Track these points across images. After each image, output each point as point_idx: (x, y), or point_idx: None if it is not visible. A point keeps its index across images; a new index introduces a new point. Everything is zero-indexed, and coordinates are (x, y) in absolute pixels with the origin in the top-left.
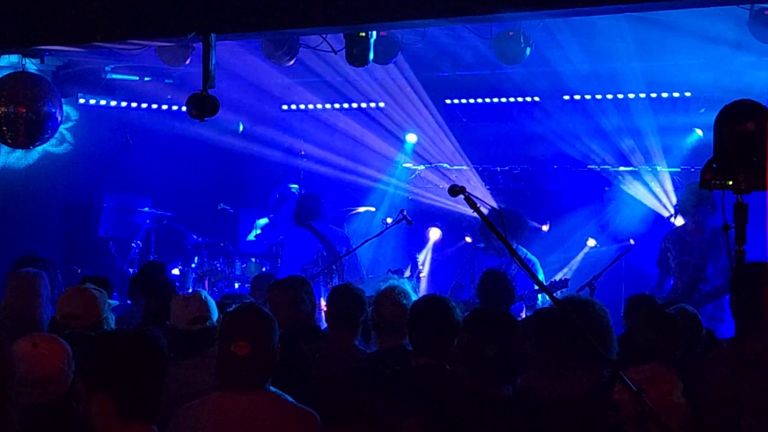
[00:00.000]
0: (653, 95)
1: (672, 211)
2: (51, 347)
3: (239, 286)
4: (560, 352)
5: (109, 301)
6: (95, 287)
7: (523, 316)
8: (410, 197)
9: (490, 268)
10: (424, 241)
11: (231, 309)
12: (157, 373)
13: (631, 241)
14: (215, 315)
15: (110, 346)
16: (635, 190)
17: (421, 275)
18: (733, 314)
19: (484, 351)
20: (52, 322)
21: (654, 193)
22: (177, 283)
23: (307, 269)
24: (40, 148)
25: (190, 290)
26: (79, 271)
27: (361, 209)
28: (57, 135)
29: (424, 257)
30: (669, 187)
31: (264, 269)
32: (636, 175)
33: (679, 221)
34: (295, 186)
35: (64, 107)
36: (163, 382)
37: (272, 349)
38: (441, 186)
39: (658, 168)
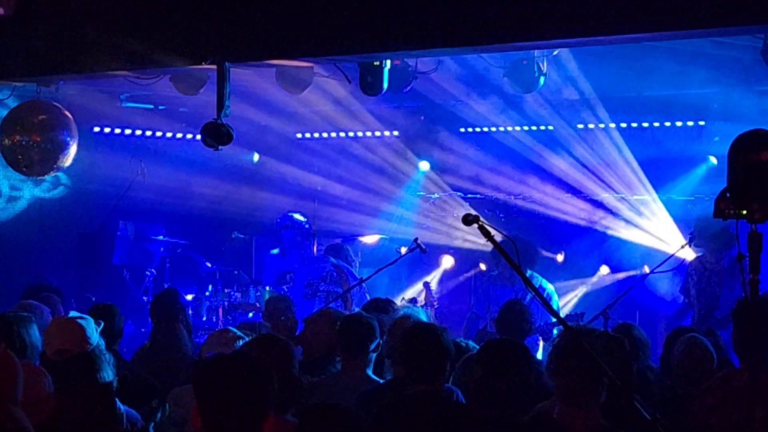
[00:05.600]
0: (667, 124)
1: (684, 240)
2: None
3: (253, 314)
4: (586, 382)
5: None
6: (79, 315)
7: (539, 348)
8: (423, 225)
9: (510, 299)
10: (436, 268)
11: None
12: (249, 400)
13: (646, 269)
14: None
15: (210, 365)
16: (649, 218)
17: (435, 304)
18: (735, 344)
19: (496, 384)
20: (42, 359)
21: (667, 221)
22: (191, 311)
23: (314, 283)
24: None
25: (204, 318)
26: (93, 299)
27: (375, 237)
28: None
29: (433, 283)
30: (665, 217)
31: None
32: (650, 203)
33: (689, 254)
34: (297, 215)
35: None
36: (259, 410)
37: (293, 376)
38: (455, 214)
39: (673, 197)
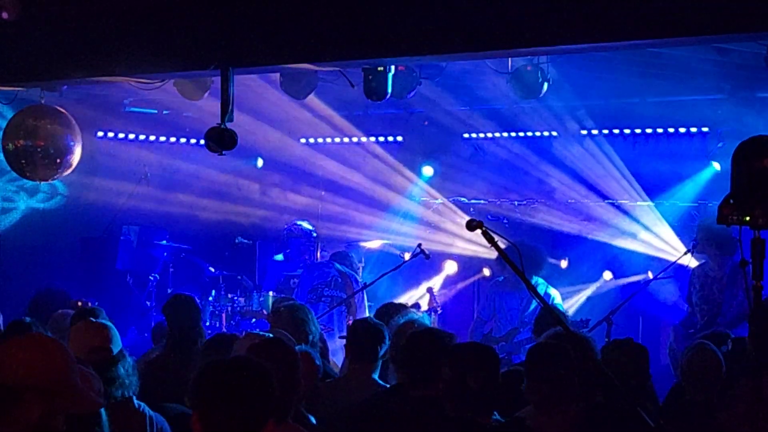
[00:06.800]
0: (671, 130)
1: (684, 247)
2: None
3: (255, 321)
4: (559, 388)
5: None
6: (103, 319)
7: None
8: (426, 230)
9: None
10: (439, 273)
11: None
12: (248, 401)
13: (649, 274)
14: None
15: (211, 369)
16: (651, 225)
17: (438, 310)
18: (756, 351)
19: (465, 382)
20: None
21: (667, 229)
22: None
23: (319, 288)
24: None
25: (207, 323)
26: (97, 304)
27: (377, 242)
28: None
29: (436, 289)
30: (661, 225)
31: None
32: (652, 209)
33: (692, 261)
34: (304, 223)
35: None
36: (260, 415)
37: (296, 381)
38: (458, 220)
39: (677, 203)
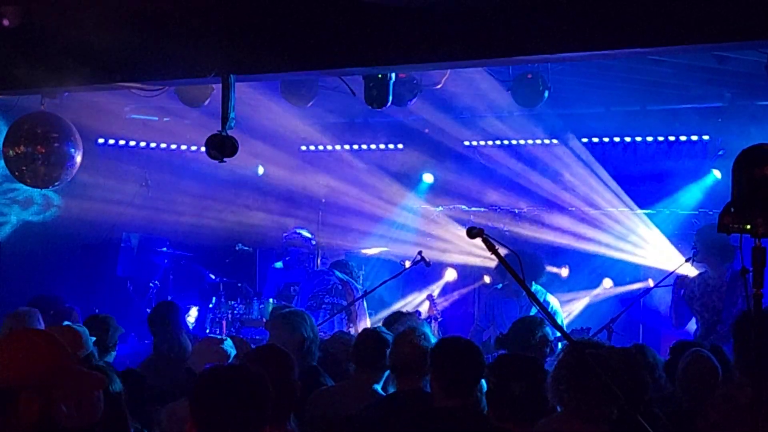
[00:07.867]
0: (671, 138)
1: (681, 255)
2: None
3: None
4: (587, 395)
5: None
6: (76, 324)
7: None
8: (426, 238)
9: (523, 317)
10: (439, 281)
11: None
12: (246, 413)
13: (650, 282)
14: None
15: (207, 376)
16: (652, 233)
17: (438, 318)
18: (736, 359)
19: (509, 389)
20: None
21: (663, 238)
22: (195, 323)
23: (319, 295)
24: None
25: (207, 331)
26: (97, 311)
27: (377, 249)
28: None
29: (435, 296)
30: (659, 235)
31: None
32: (651, 219)
33: (691, 270)
34: (304, 231)
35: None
36: (256, 421)
37: (292, 387)
38: (458, 227)
39: (677, 211)
